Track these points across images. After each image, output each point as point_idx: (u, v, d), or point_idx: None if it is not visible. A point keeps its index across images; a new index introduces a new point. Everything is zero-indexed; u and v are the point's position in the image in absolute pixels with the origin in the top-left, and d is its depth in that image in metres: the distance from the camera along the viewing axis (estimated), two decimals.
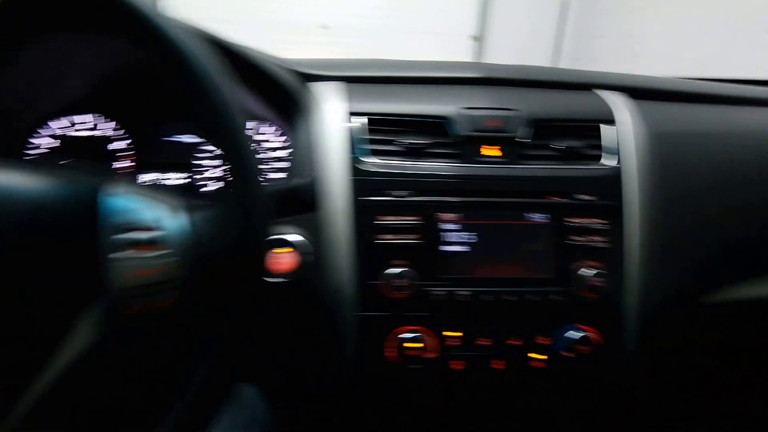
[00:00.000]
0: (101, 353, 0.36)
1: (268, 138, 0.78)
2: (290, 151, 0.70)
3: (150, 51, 0.40)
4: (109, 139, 0.76)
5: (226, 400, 0.53)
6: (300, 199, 0.59)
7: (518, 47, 3.13)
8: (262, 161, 0.77)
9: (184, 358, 0.44)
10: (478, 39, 3.29)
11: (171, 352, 0.48)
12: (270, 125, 0.78)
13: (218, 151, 0.78)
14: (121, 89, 0.72)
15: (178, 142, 0.79)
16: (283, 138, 0.79)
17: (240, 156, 0.40)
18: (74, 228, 0.36)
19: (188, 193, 0.78)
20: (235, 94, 0.41)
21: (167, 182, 0.78)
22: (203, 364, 0.41)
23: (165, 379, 0.46)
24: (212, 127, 0.40)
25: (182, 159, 0.79)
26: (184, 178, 0.79)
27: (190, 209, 0.41)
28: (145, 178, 0.78)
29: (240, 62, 0.64)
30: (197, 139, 0.77)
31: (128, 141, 0.77)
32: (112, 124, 0.75)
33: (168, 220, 0.38)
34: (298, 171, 0.66)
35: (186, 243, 0.39)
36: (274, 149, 0.78)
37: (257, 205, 0.41)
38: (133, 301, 0.37)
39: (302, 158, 0.67)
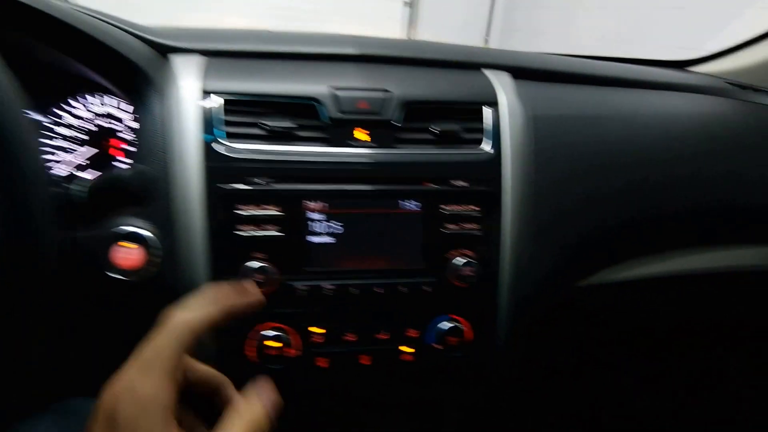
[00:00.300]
0: None
1: (119, 115, 0.70)
2: (137, 132, 0.63)
3: None
4: None
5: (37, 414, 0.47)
6: (135, 190, 0.53)
7: (452, 14, 3.08)
8: (109, 142, 0.69)
9: None
10: (411, 4, 3.20)
11: None
12: (117, 102, 0.70)
13: None
14: None
15: None
16: (132, 117, 0.71)
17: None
18: None
19: None
20: None
21: None
22: None
23: None
24: None
25: None
26: None
27: None
28: None
29: (61, 27, 0.55)
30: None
31: None
32: None
33: None
34: (142, 155, 0.60)
35: None
36: (128, 129, 0.70)
37: (31, 200, 0.34)
38: None
39: (151, 142, 0.60)
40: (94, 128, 0.70)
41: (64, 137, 0.71)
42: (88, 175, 0.59)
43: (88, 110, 0.69)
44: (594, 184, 0.70)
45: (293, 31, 0.77)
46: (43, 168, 0.37)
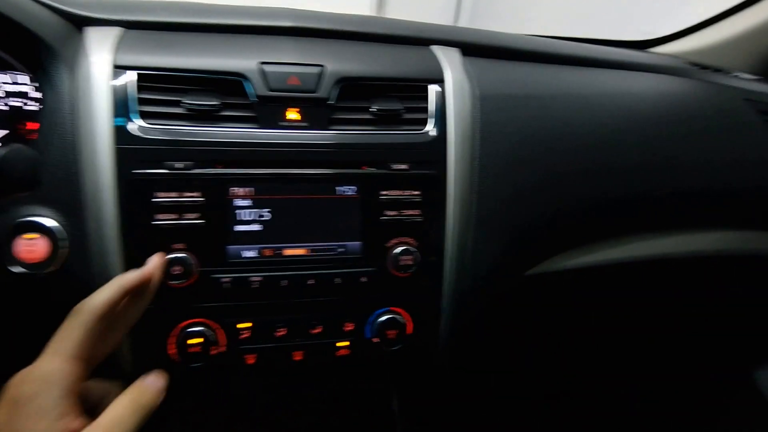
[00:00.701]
0: None
1: (35, 95, 0.64)
2: (40, 111, 0.57)
3: None
4: None
5: None
6: (5, 175, 0.47)
7: None
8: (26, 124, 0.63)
9: None
10: None
11: None
12: (21, 78, 0.63)
13: None
14: None
15: None
16: (33, 91, 0.64)
17: None
18: None
19: None
20: None
21: None
22: None
23: None
24: None
25: None
26: None
27: None
28: None
29: None
30: None
31: None
32: None
33: None
34: (45, 136, 0.54)
35: None
36: (26, 110, 0.64)
37: None
38: None
39: (57, 122, 0.54)
40: (5, 108, 0.63)
41: None
42: None
43: (4, 90, 0.63)
44: (543, 168, 0.67)
45: (224, 4, 0.71)
46: None
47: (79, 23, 0.60)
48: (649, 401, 1.03)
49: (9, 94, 0.63)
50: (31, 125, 0.63)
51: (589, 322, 0.90)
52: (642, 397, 1.03)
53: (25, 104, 0.63)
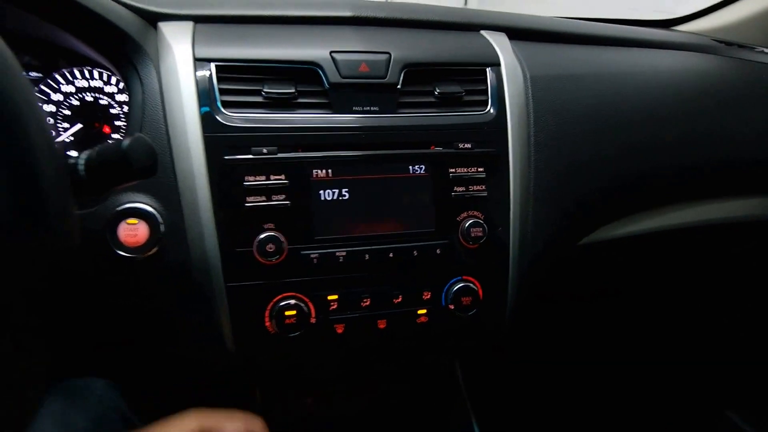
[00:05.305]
0: None
1: (108, 90, 0.67)
2: (129, 105, 0.60)
3: None
4: None
5: (47, 401, 0.46)
6: (131, 164, 0.51)
7: None
8: (99, 118, 0.66)
9: None
10: None
11: None
12: (110, 75, 0.66)
13: None
14: None
15: None
16: (120, 87, 0.68)
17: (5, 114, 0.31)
18: None
19: None
20: None
21: None
22: None
23: None
24: None
25: None
26: None
27: None
28: None
29: None
30: None
31: None
32: None
33: None
34: (137, 128, 0.57)
35: None
36: (118, 103, 0.67)
37: (41, 175, 0.32)
38: None
39: (144, 114, 0.58)
40: (80, 104, 0.66)
41: (49, 114, 0.67)
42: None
43: (74, 85, 0.66)
44: (590, 143, 0.71)
45: None
46: (52, 136, 0.35)
47: (153, 19, 0.63)
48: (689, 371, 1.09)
49: (85, 90, 0.66)
50: (112, 119, 0.67)
51: (634, 289, 0.95)
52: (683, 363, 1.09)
53: (106, 99, 0.66)
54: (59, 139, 0.67)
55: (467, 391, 0.77)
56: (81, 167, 0.47)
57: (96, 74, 0.66)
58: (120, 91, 0.67)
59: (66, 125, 0.67)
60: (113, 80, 0.67)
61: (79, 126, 0.66)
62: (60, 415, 0.49)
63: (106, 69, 0.66)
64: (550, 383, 1.01)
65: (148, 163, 0.52)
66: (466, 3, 3.11)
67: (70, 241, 0.36)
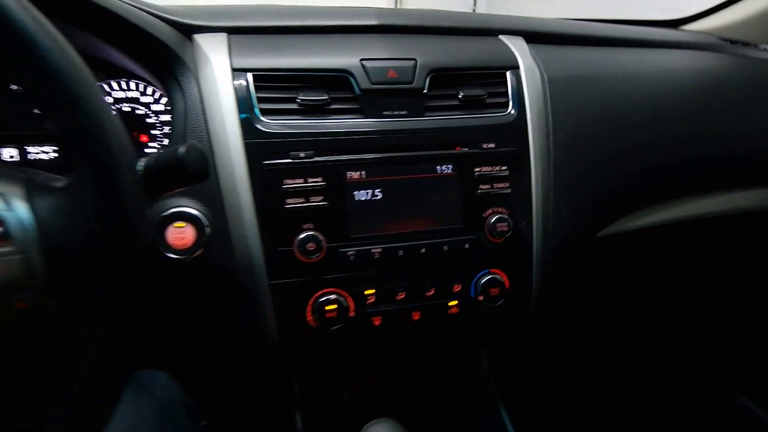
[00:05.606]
0: None
1: (144, 100, 0.70)
2: (172, 114, 0.63)
3: None
4: None
5: (124, 390, 0.49)
6: (185, 170, 0.54)
7: None
8: (137, 127, 0.69)
9: (66, 353, 0.40)
10: None
11: (50, 349, 0.43)
12: (147, 85, 0.70)
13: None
14: None
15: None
16: (164, 100, 0.71)
17: (86, 117, 0.34)
18: None
19: (64, 168, 0.69)
20: (69, 50, 0.34)
21: (34, 157, 0.69)
22: (89, 358, 0.36)
23: (48, 377, 0.42)
24: (46, 94, 0.33)
25: (50, 128, 0.69)
26: (53, 151, 0.70)
27: (32, 194, 0.35)
28: (8, 153, 0.68)
29: (99, 12, 0.55)
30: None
31: None
32: None
33: (9, 209, 0.33)
34: (180, 137, 0.60)
35: (28, 236, 0.33)
36: (154, 113, 0.70)
37: (123, 182, 0.35)
38: None
39: (186, 122, 0.61)
40: (118, 114, 0.69)
41: None
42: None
43: (112, 96, 0.69)
44: (606, 140, 0.75)
45: (309, 6, 0.77)
46: (129, 144, 0.38)
47: (188, 31, 0.66)
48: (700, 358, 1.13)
49: (124, 101, 0.70)
50: (152, 129, 0.70)
51: (648, 281, 0.99)
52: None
53: (145, 110, 0.69)
54: None
55: (492, 376, 0.81)
56: (140, 173, 0.50)
57: (133, 85, 0.70)
58: (156, 101, 0.70)
59: None
60: (149, 90, 0.70)
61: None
62: (132, 403, 0.53)
63: (143, 80, 0.69)
64: (570, 369, 1.05)
65: (202, 169, 0.55)
66: (475, 3, 3.14)
67: (147, 244, 0.40)
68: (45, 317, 0.35)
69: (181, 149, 0.56)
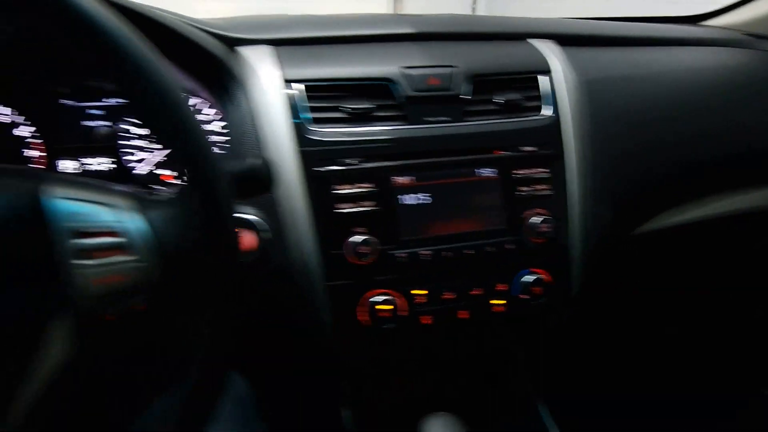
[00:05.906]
0: (82, 361, 0.34)
1: (200, 113, 0.73)
2: (225, 126, 0.66)
3: (43, 20, 0.34)
4: (11, 126, 0.68)
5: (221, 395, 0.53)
6: (259, 180, 0.57)
7: None
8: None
9: (170, 358, 0.43)
10: None
11: (157, 354, 0.46)
12: (199, 99, 0.72)
13: (148, 131, 0.72)
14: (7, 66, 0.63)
15: (94, 124, 0.72)
16: (214, 112, 0.74)
17: (191, 138, 0.37)
18: (22, 238, 0.32)
19: (122, 178, 0.72)
20: (165, 65, 0.37)
21: (93, 168, 0.72)
22: (195, 361, 0.39)
23: (153, 381, 0.45)
24: (150, 108, 0.36)
25: (102, 141, 0.72)
26: (111, 163, 0.73)
27: (145, 207, 0.38)
28: (66, 165, 0.71)
29: (154, 28, 0.58)
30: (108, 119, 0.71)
31: (32, 126, 0.68)
32: (8, 110, 0.67)
33: (128, 222, 0.35)
34: (237, 148, 0.63)
35: (149, 245, 0.36)
36: (208, 125, 0.73)
37: (221, 192, 0.38)
38: (104, 309, 0.34)
39: (240, 133, 0.64)
40: None
41: (141, 137, 0.73)
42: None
43: None
44: (637, 140, 0.77)
45: (346, 15, 0.80)
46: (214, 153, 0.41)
47: (232, 44, 0.69)
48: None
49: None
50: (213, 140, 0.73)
51: (681, 278, 1.01)
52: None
53: (206, 120, 0.72)
54: (154, 159, 0.73)
55: (530, 373, 0.84)
56: None
57: (191, 103, 0.72)
58: (210, 121, 0.73)
59: (158, 146, 0.73)
60: (199, 102, 0.73)
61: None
62: None
63: (190, 93, 0.72)
64: (606, 364, 1.07)
65: (268, 180, 0.58)
66: (474, 3, 3.15)
67: (238, 250, 0.43)
68: (158, 318, 0.38)
69: (255, 161, 0.59)
